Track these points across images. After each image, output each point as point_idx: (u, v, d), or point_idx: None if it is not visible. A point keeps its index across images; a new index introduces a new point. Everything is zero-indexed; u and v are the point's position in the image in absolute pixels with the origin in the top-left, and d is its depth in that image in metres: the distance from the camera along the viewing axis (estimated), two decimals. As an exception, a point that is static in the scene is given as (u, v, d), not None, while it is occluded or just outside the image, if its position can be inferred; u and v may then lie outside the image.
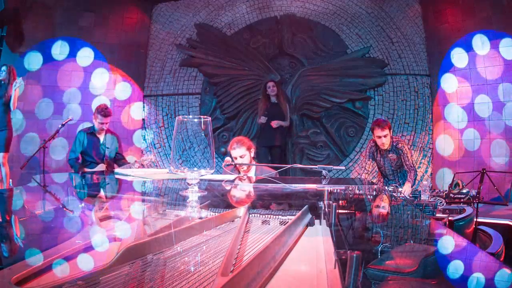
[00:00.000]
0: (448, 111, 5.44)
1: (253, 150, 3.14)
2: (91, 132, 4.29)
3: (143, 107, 6.11)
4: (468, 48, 5.20)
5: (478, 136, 5.15)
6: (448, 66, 5.40)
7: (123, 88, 5.91)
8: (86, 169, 4.25)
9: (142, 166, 4.19)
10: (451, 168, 5.27)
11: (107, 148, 4.25)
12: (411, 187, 3.75)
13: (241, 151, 3.03)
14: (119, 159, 4.37)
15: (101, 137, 4.27)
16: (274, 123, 5.12)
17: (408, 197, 3.20)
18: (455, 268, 0.62)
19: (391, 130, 3.93)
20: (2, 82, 4.33)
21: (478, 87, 5.15)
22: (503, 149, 4.95)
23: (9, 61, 5.01)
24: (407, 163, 3.85)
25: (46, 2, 5.42)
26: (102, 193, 1.78)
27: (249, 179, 2.36)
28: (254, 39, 6.07)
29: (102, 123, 4.19)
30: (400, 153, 3.89)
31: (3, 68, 4.37)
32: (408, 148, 3.96)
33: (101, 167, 4.25)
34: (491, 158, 5.01)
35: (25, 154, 5.23)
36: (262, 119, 5.12)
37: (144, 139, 6.06)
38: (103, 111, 4.17)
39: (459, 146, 5.32)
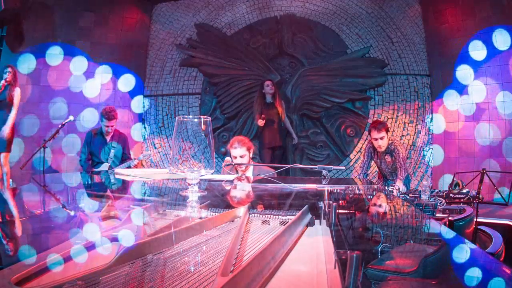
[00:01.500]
0: (449, 111, 5.44)
1: (252, 151, 3.16)
2: (99, 133, 4.35)
3: (143, 107, 6.11)
4: (469, 47, 5.20)
5: (478, 136, 5.15)
6: (449, 66, 5.40)
7: (123, 88, 5.90)
8: (94, 169, 4.33)
9: (141, 163, 4.20)
10: (451, 168, 5.27)
11: (113, 148, 4.29)
12: (403, 184, 3.77)
13: (241, 151, 3.05)
14: (125, 160, 4.40)
15: (108, 138, 4.32)
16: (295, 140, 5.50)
17: (408, 197, 3.20)
18: (455, 268, 0.62)
19: (389, 132, 3.93)
20: (7, 83, 4.33)
21: (479, 87, 5.15)
22: (503, 149, 4.95)
23: (9, 61, 5.00)
24: (397, 161, 3.86)
25: (46, 2, 5.42)
26: (102, 193, 1.78)
27: (249, 179, 2.36)
28: (254, 39, 6.07)
29: (107, 126, 4.26)
30: (393, 155, 3.89)
31: (8, 69, 4.38)
32: (401, 150, 3.94)
33: (105, 166, 4.27)
34: (491, 158, 5.01)
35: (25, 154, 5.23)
36: (260, 122, 5.09)
37: (144, 139, 6.06)
38: (107, 114, 4.23)
39: (459, 146, 5.32)
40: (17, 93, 4.39)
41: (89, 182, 2.20)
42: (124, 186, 2.00)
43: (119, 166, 4.21)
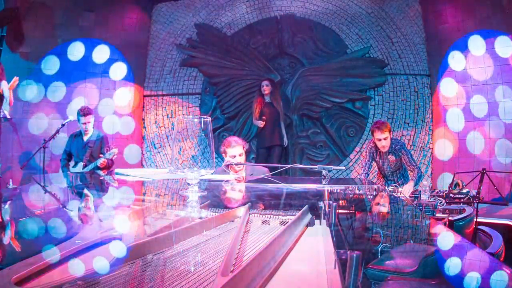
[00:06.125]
0: (448, 111, 5.44)
1: (245, 150, 3.20)
2: (78, 134, 4.45)
3: (143, 107, 6.10)
4: (469, 48, 5.20)
5: (478, 136, 5.15)
6: (448, 66, 5.40)
7: (123, 88, 5.90)
8: (71, 169, 4.41)
9: (107, 161, 4.22)
10: (451, 168, 5.27)
11: (89, 147, 4.33)
12: (414, 185, 3.75)
13: (240, 149, 3.08)
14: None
15: (86, 138, 4.36)
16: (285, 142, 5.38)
17: (408, 197, 3.20)
18: (455, 268, 0.62)
19: (391, 132, 3.93)
20: None
21: (478, 87, 5.14)
22: (503, 149, 4.95)
23: (9, 61, 4.99)
24: (409, 163, 3.85)
25: (46, 2, 5.41)
26: (101, 193, 1.78)
27: (244, 179, 2.36)
28: (254, 39, 6.06)
29: (84, 123, 4.31)
30: (400, 155, 3.89)
31: None
32: (407, 149, 3.96)
33: (80, 166, 4.31)
34: (491, 158, 5.01)
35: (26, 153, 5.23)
36: (259, 123, 5.12)
37: (144, 139, 6.06)
38: (82, 111, 4.32)
39: (459, 146, 5.31)
40: (4, 87, 4.30)
41: (89, 182, 2.20)
42: (124, 186, 2.00)
43: (88, 166, 4.25)
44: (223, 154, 3.15)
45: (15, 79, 4.31)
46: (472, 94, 5.20)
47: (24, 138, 5.33)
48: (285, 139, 5.36)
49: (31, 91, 5.37)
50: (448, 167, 5.37)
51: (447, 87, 5.43)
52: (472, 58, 5.16)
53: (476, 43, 5.11)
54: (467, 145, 5.24)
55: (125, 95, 5.91)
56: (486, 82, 5.08)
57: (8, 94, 4.29)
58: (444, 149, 5.49)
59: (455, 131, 5.37)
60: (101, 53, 5.71)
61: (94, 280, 0.51)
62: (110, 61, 5.76)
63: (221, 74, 6.00)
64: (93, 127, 4.43)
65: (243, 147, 3.12)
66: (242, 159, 3.09)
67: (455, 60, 5.30)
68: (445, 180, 5.29)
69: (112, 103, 5.76)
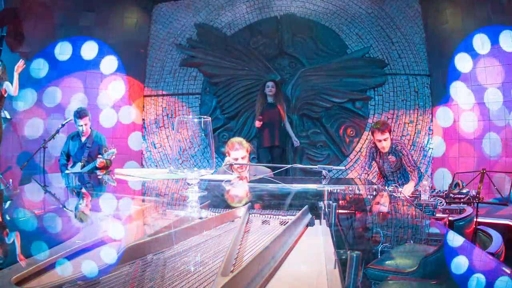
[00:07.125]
0: (448, 111, 5.44)
1: (249, 152, 3.18)
2: (76, 135, 4.45)
3: (143, 107, 6.10)
4: (471, 48, 5.19)
5: (478, 136, 5.14)
6: (449, 66, 5.39)
7: (123, 88, 5.90)
8: (69, 169, 4.39)
9: (106, 161, 4.22)
10: (451, 168, 5.26)
11: (88, 148, 4.32)
12: (414, 186, 3.74)
13: (243, 152, 3.05)
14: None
15: (84, 139, 4.36)
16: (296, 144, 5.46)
17: (409, 197, 3.20)
18: (455, 268, 0.62)
19: (391, 133, 3.92)
20: (1, 80, 4.28)
21: (479, 86, 5.14)
22: (504, 149, 4.94)
23: (9, 61, 4.99)
24: (409, 164, 3.84)
25: (46, 2, 5.41)
26: (102, 193, 1.78)
27: (247, 179, 2.36)
28: (254, 39, 6.07)
29: (80, 125, 4.30)
30: (400, 156, 3.88)
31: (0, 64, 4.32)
32: (408, 150, 3.96)
33: (79, 166, 4.31)
34: (491, 158, 5.01)
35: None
36: (257, 124, 5.14)
37: (144, 139, 6.06)
38: (78, 113, 4.30)
39: (459, 146, 5.31)
40: (8, 87, 4.33)
41: (89, 182, 2.20)
42: (124, 186, 2.00)
43: (87, 166, 4.25)
44: (226, 154, 3.13)
45: (22, 63, 4.32)
46: (473, 94, 5.19)
47: (24, 138, 5.33)
48: (294, 139, 5.43)
49: (31, 91, 5.38)
50: (448, 168, 5.37)
51: (448, 86, 5.43)
52: (475, 57, 5.15)
53: (480, 42, 5.08)
54: (467, 145, 5.24)
55: (125, 95, 5.91)
56: (486, 81, 5.07)
57: (11, 90, 4.30)
58: (444, 149, 5.49)
59: (455, 131, 5.36)
60: (101, 53, 5.71)
61: (94, 280, 0.51)
62: (110, 61, 5.76)
63: (221, 74, 6.00)
64: (90, 128, 4.42)
65: (247, 150, 3.09)
66: (245, 161, 3.07)
67: (458, 59, 5.28)
68: (445, 180, 5.30)
69: (112, 103, 5.76)
